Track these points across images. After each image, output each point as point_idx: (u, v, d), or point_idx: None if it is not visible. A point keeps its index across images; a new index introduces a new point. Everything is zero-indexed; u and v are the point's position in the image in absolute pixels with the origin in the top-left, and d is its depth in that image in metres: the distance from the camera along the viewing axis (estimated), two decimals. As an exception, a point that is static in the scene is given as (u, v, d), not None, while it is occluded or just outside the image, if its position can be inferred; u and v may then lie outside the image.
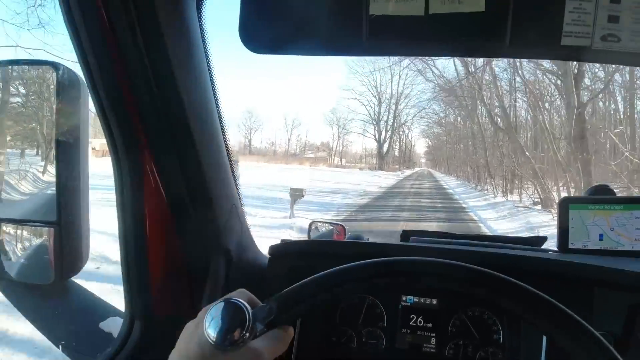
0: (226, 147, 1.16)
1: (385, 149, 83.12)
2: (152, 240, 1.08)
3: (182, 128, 1.02)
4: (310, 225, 1.73)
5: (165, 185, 1.08)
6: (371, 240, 1.45)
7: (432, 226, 12.23)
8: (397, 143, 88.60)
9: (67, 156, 0.98)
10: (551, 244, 1.42)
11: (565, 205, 1.33)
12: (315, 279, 0.73)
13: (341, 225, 1.71)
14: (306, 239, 1.54)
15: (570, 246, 1.32)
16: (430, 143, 75.91)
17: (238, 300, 0.68)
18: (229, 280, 1.15)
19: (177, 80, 0.98)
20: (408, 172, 72.49)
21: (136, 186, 1.03)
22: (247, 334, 0.66)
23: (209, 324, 0.65)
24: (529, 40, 0.89)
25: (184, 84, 1.00)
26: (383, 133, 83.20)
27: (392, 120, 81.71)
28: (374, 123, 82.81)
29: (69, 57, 1.02)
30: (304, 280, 0.73)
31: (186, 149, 1.04)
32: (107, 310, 1.25)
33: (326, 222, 1.77)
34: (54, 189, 0.98)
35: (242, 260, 1.22)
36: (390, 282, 0.75)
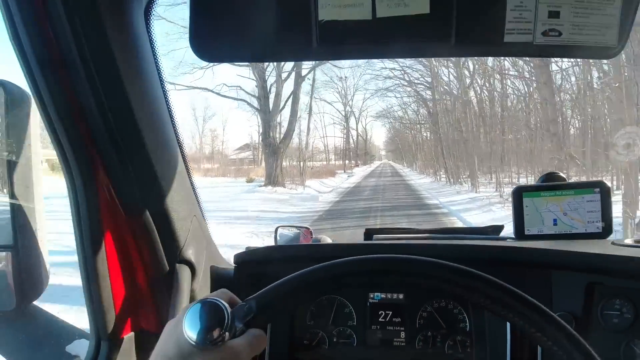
0: (183, 157, 1.15)
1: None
2: (112, 256, 1.06)
3: (135, 140, 1.00)
4: (276, 230, 1.73)
5: (122, 200, 1.06)
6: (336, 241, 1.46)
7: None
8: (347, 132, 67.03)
9: (20, 177, 0.96)
10: (510, 232, 1.47)
11: (518, 194, 1.38)
12: (294, 277, 0.74)
13: (307, 228, 1.71)
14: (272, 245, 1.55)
15: (526, 232, 1.37)
16: (389, 128, 65.21)
17: (217, 300, 0.68)
18: (195, 293, 1.14)
19: (126, 91, 0.97)
20: (359, 171, 51.71)
21: (91, 202, 1.01)
22: (226, 333, 0.66)
23: (187, 323, 0.65)
24: (474, 39, 0.92)
25: (134, 96, 0.98)
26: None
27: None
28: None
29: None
30: (282, 279, 0.74)
31: (141, 162, 1.03)
32: (74, 333, 1.21)
33: (292, 226, 1.77)
34: (8, 211, 0.95)
35: (207, 271, 1.21)
36: (365, 278, 0.77)
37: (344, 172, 47.32)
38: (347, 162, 62.47)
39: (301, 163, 28.86)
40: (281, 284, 0.74)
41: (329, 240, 1.48)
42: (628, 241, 1.24)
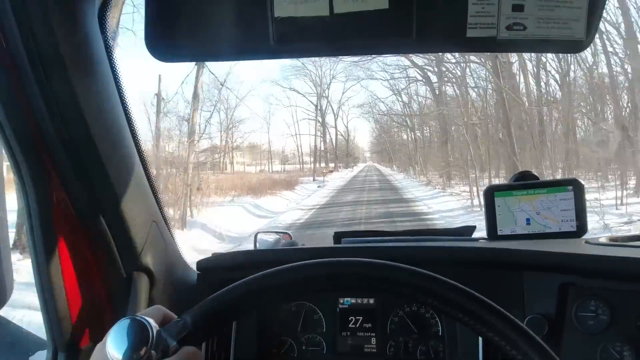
0: (141, 160, 1.11)
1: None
2: (67, 265, 1.01)
3: (89, 144, 0.97)
4: (255, 236, 1.70)
5: (76, 207, 1.01)
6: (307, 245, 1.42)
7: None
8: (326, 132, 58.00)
9: None
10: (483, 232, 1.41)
11: (490, 194, 1.36)
12: (232, 288, 0.70)
13: (287, 234, 1.68)
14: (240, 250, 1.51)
15: (499, 233, 1.35)
16: (375, 128, 58.77)
17: (141, 317, 0.64)
18: (154, 301, 1.10)
19: (78, 94, 0.93)
20: (337, 178, 39.65)
21: (44, 209, 0.97)
22: (154, 352, 0.62)
23: (112, 342, 0.62)
24: (435, 34, 0.89)
25: (86, 98, 0.95)
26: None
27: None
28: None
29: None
30: (220, 291, 0.70)
31: (96, 166, 0.99)
32: (37, 344, 1.18)
33: (272, 232, 1.74)
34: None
35: (168, 279, 1.17)
36: (306, 288, 0.73)
37: (314, 180, 34.90)
38: (322, 165, 52.02)
39: (187, 177, 14.34)
40: (217, 296, 0.70)
41: (300, 245, 1.44)
42: (602, 240, 1.22)
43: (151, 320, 0.64)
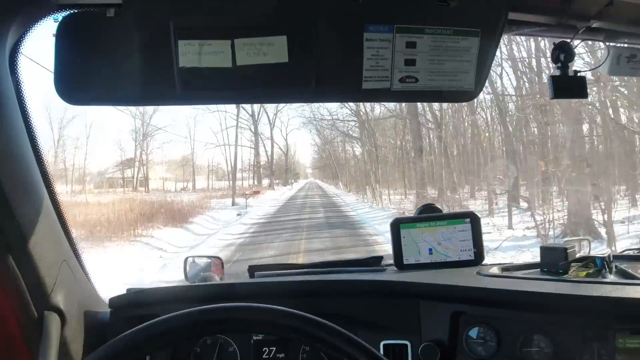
0: (52, 198, 1.10)
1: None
2: None
3: None
4: (185, 260, 1.68)
5: None
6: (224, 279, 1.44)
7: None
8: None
9: None
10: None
11: (396, 225, 1.44)
12: (122, 337, 0.73)
13: (218, 258, 1.67)
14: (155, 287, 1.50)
15: (405, 262, 1.43)
16: (317, 142, 49.70)
17: None
18: (66, 341, 1.09)
19: None
20: (268, 201, 29.79)
21: None
22: None
23: None
24: (333, 86, 0.96)
25: None
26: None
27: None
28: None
29: None
30: (113, 339, 0.73)
31: (2, 206, 0.97)
32: None
33: (202, 256, 1.73)
34: None
35: (79, 318, 1.16)
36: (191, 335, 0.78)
37: (233, 204, 25.79)
38: (253, 182, 44.81)
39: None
40: (113, 344, 0.73)
41: (216, 279, 1.46)
42: (493, 270, 1.32)
43: None
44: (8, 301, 1.05)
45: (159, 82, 0.92)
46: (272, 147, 50.80)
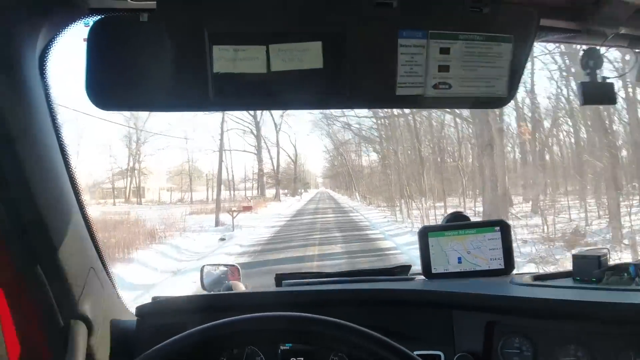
0: (80, 205, 1.10)
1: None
2: (4, 313, 0.99)
3: (25, 192, 0.96)
4: (202, 269, 1.68)
5: (13, 254, 1.00)
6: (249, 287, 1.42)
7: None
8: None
9: None
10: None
11: (424, 234, 1.42)
12: (182, 337, 0.73)
13: (235, 266, 1.67)
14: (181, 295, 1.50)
15: (433, 271, 1.41)
16: (328, 147, 44.66)
17: None
18: (92, 350, 1.08)
19: (15, 140, 0.92)
20: (267, 219, 22.09)
21: None
22: None
23: None
24: (367, 92, 0.95)
25: (22, 146, 0.94)
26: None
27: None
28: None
29: None
30: (167, 341, 0.73)
31: (32, 214, 0.97)
32: None
33: (219, 265, 1.73)
34: None
35: (107, 326, 1.15)
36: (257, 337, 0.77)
37: (216, 224, 19.93)
38: (258, 192, 39.49)
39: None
40: (166, 345, 0.72)
41: (241, 287, 1.45)
42: (527, 278, 1.30)
43: None
44: (35, 309, 1.05)
45: (192, 87, 0.91)
46: (278, 152, 45.21)
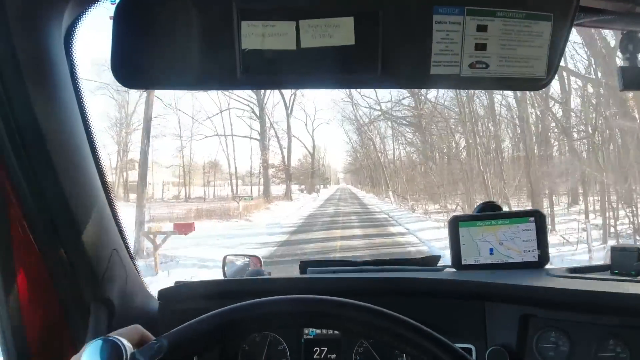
0: (104, 186, 1.09)
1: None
2: (25, 294, 0.99)
3: (50, 173, 0.95)
4: (224, 259, 1.68)
5: (35, 235, 0.99)
6: (273, 274, 1.41)
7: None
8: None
9: None
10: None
11: (455, 224, 1.38)
12: (210, 316, 0.71)
13: (256, 257, 1.67)
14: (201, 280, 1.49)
15: (463, 262, 1.36)
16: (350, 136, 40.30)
17: (116, 338, 0.65)
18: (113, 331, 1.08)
19: (40, 120, 0.92)
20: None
21: (2, 237, 0.95)
22: None
23: None
24: (400, 70, 0.91)
25: (49, 124, 0.93)
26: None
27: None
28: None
29: None
30: (199, 317, 0.71)
31: (56, 194, 0.97)
32: None
33: (241, 255, 1.72)
34: None
35: (128, 309, 1.14)
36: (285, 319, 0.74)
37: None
38: (244, 195, 29.78)
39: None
40: (199, 321, 0.70)
41: (265, 274, 1.43)
42: (563, 271, 1.25)
43: (125, 342, 0.65)
44: (57, 290, 1.05)
45: (220, 65, 0.89)
46: (290, 141, 36.96)
